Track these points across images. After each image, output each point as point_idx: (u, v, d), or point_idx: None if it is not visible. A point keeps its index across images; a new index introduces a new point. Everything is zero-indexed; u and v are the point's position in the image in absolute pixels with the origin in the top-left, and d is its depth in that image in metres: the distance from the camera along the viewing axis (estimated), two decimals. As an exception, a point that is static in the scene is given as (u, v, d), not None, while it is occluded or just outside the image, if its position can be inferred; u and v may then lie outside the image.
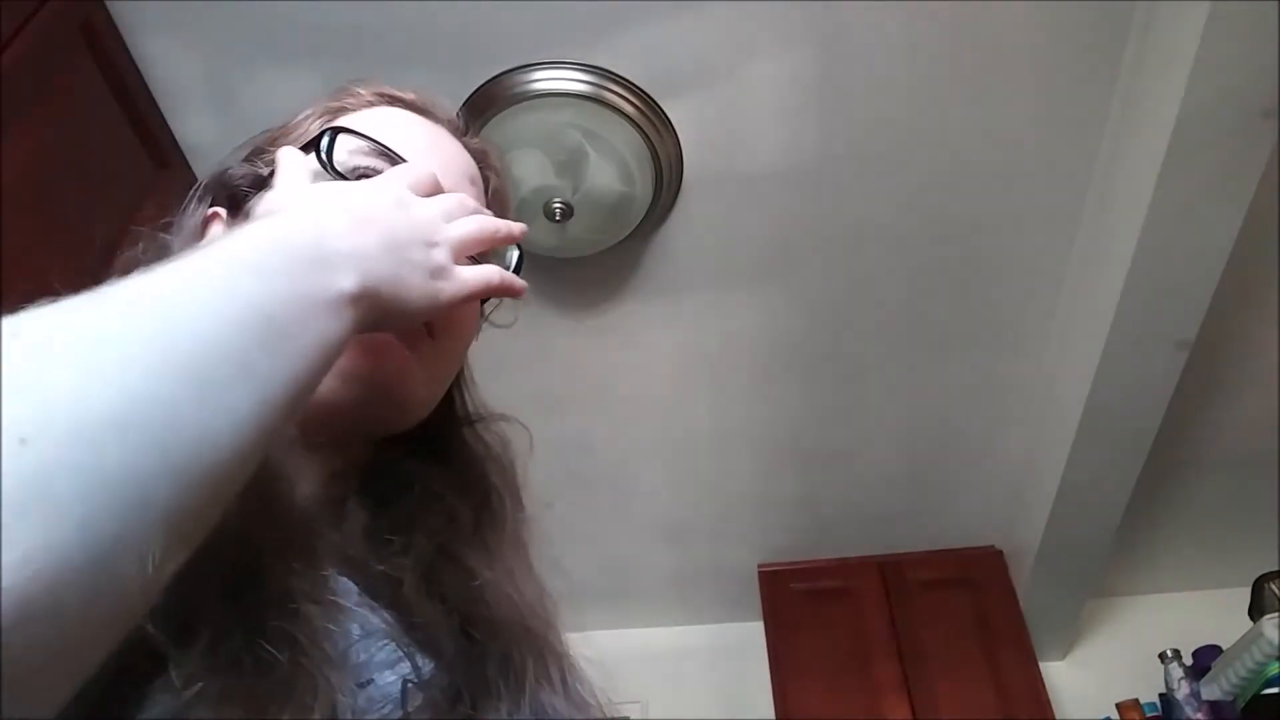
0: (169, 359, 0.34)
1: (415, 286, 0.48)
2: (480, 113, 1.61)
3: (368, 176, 0.58)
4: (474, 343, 0.66)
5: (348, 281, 0.43)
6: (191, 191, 0.64)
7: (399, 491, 0.59)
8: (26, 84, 1.27)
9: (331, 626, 0.45)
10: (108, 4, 1.48)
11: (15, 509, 0.28)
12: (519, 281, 0.55)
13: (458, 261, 0.51)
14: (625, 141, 1.63)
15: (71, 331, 0.33)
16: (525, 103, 1.60)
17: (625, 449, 2.25)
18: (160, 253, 0.60)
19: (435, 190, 0.54)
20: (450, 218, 0.52)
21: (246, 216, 0.60)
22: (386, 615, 0.51)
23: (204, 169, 1.82)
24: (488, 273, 0.52)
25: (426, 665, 0.50)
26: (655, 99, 1.63)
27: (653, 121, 1.64)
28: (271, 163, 0.61)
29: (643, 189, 1.69)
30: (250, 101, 1.61)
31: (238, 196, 0.61)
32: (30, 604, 0.27)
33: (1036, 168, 1.74)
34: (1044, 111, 1.66)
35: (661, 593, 2.61)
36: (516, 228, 0.56)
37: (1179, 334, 1.73)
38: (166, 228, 0.62)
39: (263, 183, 0.61)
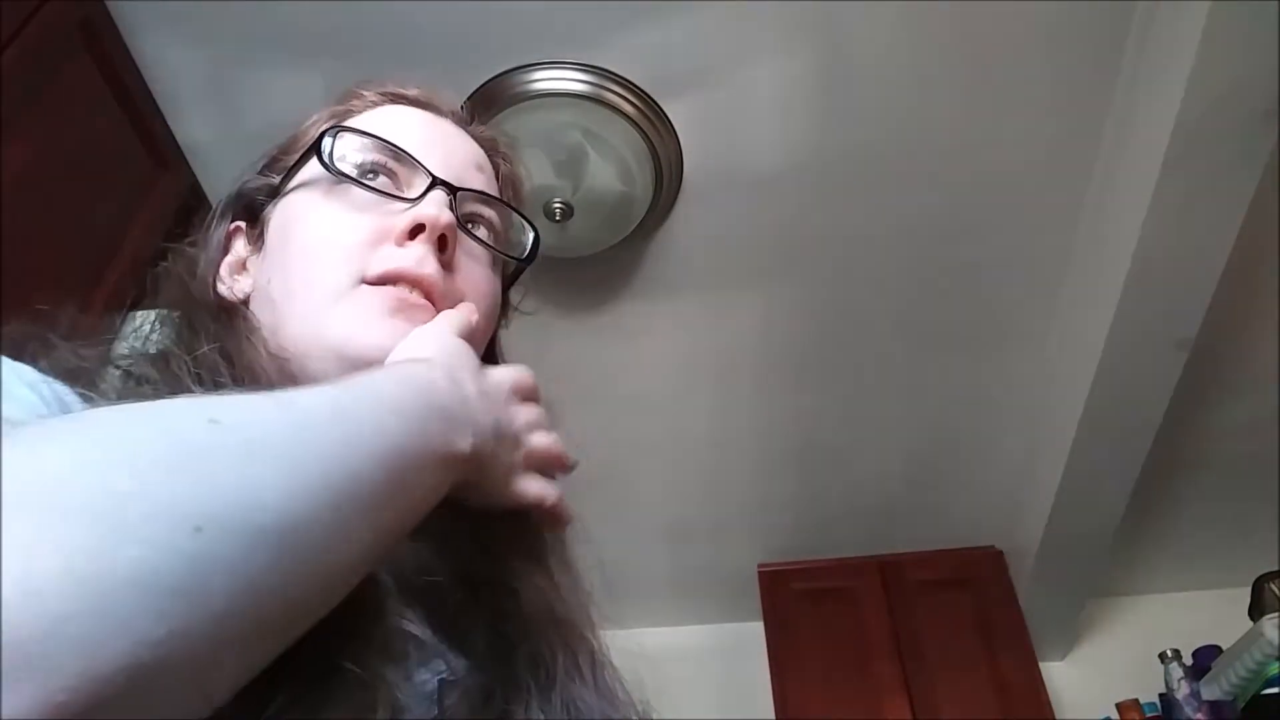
0: (327, 485, 0.36)
1: (500, 473, 0.52)
2: (480, 113, 1.61)
3: (375, 172, 0.60)
4: (503, 331, 0.69)
5: (465, 443, 0.47)
6: (213, 209, 0.66)
7: None
8: (26, 84, 1.27)
9: (377, 626, 0.46)
10: (108, 4, 1.48)
11: (174, 589, 0.29)
12: (568, 513, 0.58)
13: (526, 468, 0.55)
14: (625, 141, 1.63)
15: (264, 435, 0.35)
16: (525, 103, 1.60)
17: (625, 449, 2.25)
18: (189, 266, 0.62)
19: (534, 397, 0.58)
20: (533, 430, 0.56)
21: (264, 227, 0.62)
22: (420, 612, 0.51)
23: (204, 169, 1.82)
24: (548, 492, 0.55)
25: (459, 663, 0.50)
26: (655, 99, 1.63)
27: (653, 121, 1.64)
28: (284, 170, 0.63)
29: (643, 189, 1.69)
30: (250, 101, 1.61)
31: (255, 207, 0.64)
32: (143, 676, 0.28)
33: (1036, 168, 1.74)
34: (1044, 111, 1.66)
35: (661, 593, 2.61)
36: (573, 461, 0.59)
37: (1179, 334, 1.73)
38: (193, 244, 0.64)
39: (276, 192, 0.63)
